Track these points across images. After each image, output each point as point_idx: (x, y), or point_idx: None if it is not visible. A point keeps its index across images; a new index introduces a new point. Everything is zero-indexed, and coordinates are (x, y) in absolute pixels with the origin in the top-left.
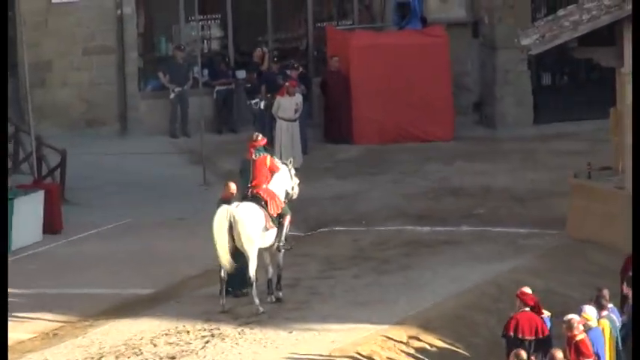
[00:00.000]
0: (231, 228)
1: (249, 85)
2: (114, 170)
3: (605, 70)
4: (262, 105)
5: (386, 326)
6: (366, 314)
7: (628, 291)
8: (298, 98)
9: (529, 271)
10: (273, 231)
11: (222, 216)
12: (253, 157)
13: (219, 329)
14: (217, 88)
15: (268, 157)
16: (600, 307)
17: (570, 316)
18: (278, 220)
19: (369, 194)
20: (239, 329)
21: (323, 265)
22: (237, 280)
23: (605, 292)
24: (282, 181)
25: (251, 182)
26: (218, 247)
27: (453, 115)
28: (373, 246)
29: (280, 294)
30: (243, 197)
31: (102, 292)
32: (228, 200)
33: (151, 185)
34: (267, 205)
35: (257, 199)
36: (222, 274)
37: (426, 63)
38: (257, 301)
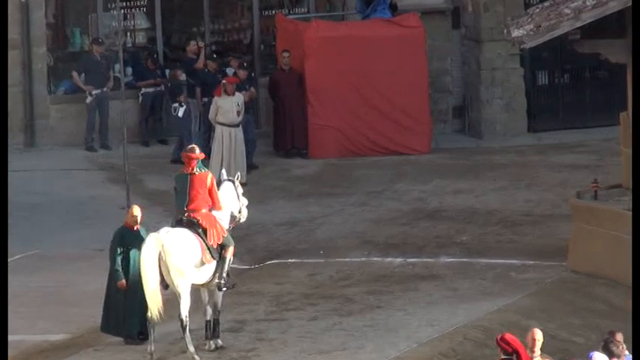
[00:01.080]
0: (160, 259)
1: (170, 85)
2: (19, 190)
3: (615, 67)
4: (181, 112)
5: None
6: None
7: None
8: (240, 98)
9: (522, 311)
10: (212, 265)
11: (150, 247)
12: (193, 171)
13: None
14: (143, 90)
15: (210, 175)
16: (611, 355)
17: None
18: (219, 253)
19: (329, 219)
20: None
21: (273, 305)
22: (135, 321)
23: (619, 336)
24: (227, 202)
25: (187, 204)
26: (147, 287)
27: (430, 123)
28: (333, 282)
29: (219, 341)
30: (177, 222)
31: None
32: (129, 229)
33: (65, 209)
34: (205, 234)
35: (193, 225)
36: (150, 315)
37: (398, 59)
38: (192, 349)
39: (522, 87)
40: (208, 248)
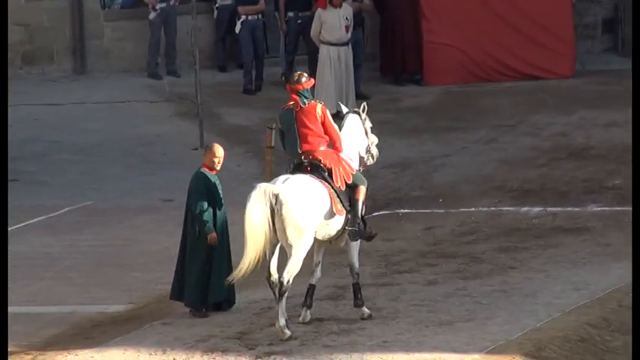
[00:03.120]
0: (273, 214)
1: None
2: (67, 128)
3: None
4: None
5: (477, 355)
6: (447, 340)
7: None
8: (348, 11)
9: None
10: (343, 217)
11: (260, 198)
12: (299, 106)
13: None
14: (219, 2)
15: (319, 105)
16: None
17: None
18: (349, 196)
19: (449, 160)
20: None
21: (381, 267)
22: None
23: None
24: (353, 139)
25: (300, 146)
26: (250, 247)
27: (574, 40)
28: (456, 237)
29: (365, 310)
30: (296, 167)
31: (51, 311)
32: (210, 173)
33: (123, 150)
34: (331, 176)
35: (317, 168)
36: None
37: None
38: (282, 322)
39: None
40: (338, 196)
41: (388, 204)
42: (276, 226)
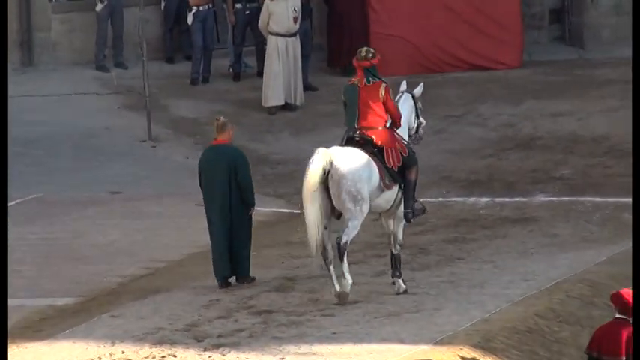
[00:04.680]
0: (327, 181)
1: None
2: (15, 121)
3: None
4: (98, 7)
5: (425, 347)
6: (395, 331)
7: None
8: (296, 1)
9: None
10: (392, 192)
11: (318, 164)
12: (363, 83)
13: (174, 356)
14: None
15: (383, 85)
16: None
17: None
18: (402, 175)
19: None
20: (205, 355)
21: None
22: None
23: None
24: (406, 117)
25: (358, 121)
26: (308, 212)
27: (521, 31)
28: (406, 228)
29: (401, 283)
30: (348, 140)
31: None
32: (220, 146)
33: (72, 143)
34: (383, 155)
35: (368, 144)
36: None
37: None
38: (337, 287)
39: None
40: (388, 171)
41: None
42: (331, 192)
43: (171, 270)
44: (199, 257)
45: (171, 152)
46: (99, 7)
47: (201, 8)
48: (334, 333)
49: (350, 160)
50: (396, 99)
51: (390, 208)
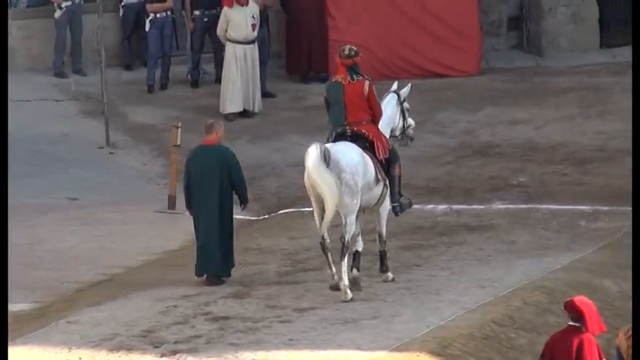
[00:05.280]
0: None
1: None
2: None
3: None
4: (148, 25)
5: (382, 353)
6: (352, 337)
7: None
8: (254, 8)
9: (594, 268)
10: (381, 186)
11: (317, 156)
12: (347, 80)
13: None
14: (125, 1)
15: (366, 82)
16: None
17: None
18: (386, 171)
19: None
20: None
21: (287, 265)
22: (216, 260)
23: None
24: (387, 117)
25: (345, 117)
26: (329, 200)
27: (480, 38)
28: (361, 235)
29: (390, 275)
30: (338, 136)
31: None
32: (209, 146)
33: (29, 149)
34: (373, 148)
35: (360, 138)
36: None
37: None
38: (346, 281)
39: None
40: (381, 165)
41: (294, 202)
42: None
43: (129, 276)
44: (157, 264)
45: (129, 159)
46: (57, 13)
47: (158, 15)
48: (291, 340)
49: (347, 153)
50: (383, 98)
51: (375, 204)
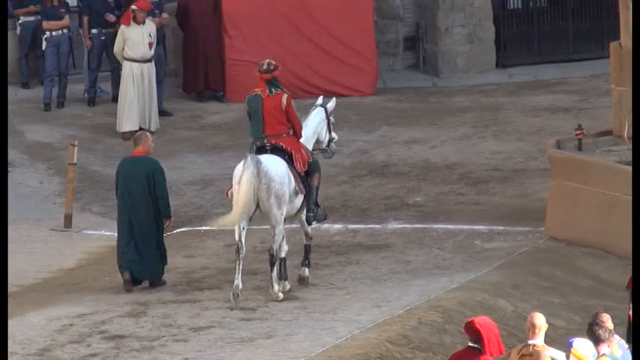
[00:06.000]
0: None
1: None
2: None
3: None
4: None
5: None
6: (247, 357)
7: None
8: (151, 27)
9: (489, 287)
10: (301, 197)
11: (252, 168)
12: (266, 94)
13: None
14: (22, 19)
15: (285, 96)
16: (597, 340)
17: (535, 341)
18: (305, 181)
19: None
20: None
21: (183, 284)
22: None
23: (605, 318)
24: (312, 130)
25: (264, 130)
26: (242, 196)
27: (376, 57)
28: (257, 254)
29: (306, 272)
30: (258, 149)
31: None
32: (137, 157)
33: None
34: (292, 160)
35: (278, 150)
36: (238, 237)
37: None
38: (277, 287)
39: (489, 12)
40: (300, 177)
41: (190, 221)
42: (259, 195)
43: (25, 295)
44: (52, 282)
45: (26, 177)
46: None
47: (54, 33)
48: (187, 359)
49: (275, 164)
50: (309, 111)
51: (296, 214)
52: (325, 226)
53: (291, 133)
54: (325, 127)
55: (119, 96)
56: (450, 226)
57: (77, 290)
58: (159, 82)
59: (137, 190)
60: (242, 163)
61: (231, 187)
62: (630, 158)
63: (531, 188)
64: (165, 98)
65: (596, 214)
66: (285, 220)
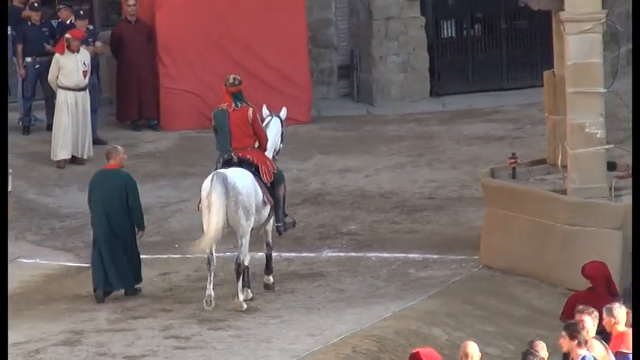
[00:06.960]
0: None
1: None
2: None
3: (537, 15)
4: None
5: None
6: None
7: (571, 344)
8: (85, 56)
9: (424, 316)
10: (268, 207)
11: (220, 183)
12: (232, 107)
13: None
14: None
15: (250, 109)
16: None
17: None
18: (272, 191)
19: (186, 205)
20: None
21: (117, 312)
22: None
23: (539, 347)
24: (272, 140)
25: (231, 144)
26: (212, 226)
27: (310, 86)
28: (191, 282)
29: (270, 279)
30: (225, 162)
31: None
32: (110, 170)
33: None
34: (258, 172)
35: (245, 163)
36: (209, 250)
37: (268, 8)
38: (242, 297)
39: (423, 40)
40: (267, 188)
41: None
42: (228, 208)
43: None
44: None
45: None
46: None
47: None
48: None
49: (242, 177)
50: (266, 122)
51: (263, 224)
52: (260, 254)
53: (256, 145)
54: (279, 137)
55: (53, 124)
56: (385, 255)
57: (11, 318)
58: (93, 110)
59: (111, 202)
60: (209, 179)
61: (201, 201)
62: (564, 187)
63: (465, 216)
64: (100, 127)
65: (529, 242)
66: (252, 230)
